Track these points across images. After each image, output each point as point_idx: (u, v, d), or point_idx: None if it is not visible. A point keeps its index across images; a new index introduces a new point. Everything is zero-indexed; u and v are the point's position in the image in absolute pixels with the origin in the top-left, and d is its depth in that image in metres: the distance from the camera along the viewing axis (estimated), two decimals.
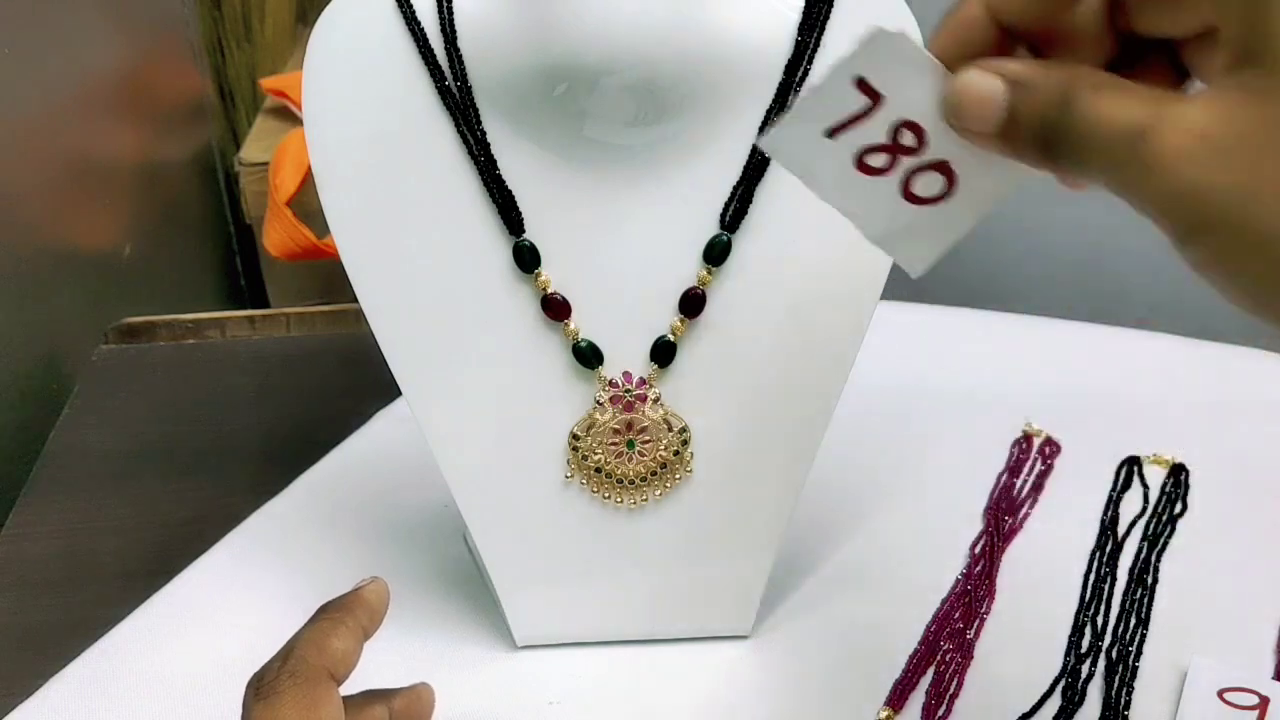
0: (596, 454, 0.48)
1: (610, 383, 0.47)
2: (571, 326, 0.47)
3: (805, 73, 0.44)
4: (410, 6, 0.44)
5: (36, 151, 0.85)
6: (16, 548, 0.61)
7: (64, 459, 0.68)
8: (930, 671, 0.52)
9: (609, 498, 0.49)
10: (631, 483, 0.49)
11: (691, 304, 0.46)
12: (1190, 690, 0.50)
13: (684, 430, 0.48)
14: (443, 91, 0.44)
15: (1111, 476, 0.64)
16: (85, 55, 0.95)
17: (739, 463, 0.49)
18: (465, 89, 0.44)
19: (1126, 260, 0.94)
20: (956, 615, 0.55)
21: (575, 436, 0.48)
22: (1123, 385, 0.72)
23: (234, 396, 0.75)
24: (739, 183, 0.45)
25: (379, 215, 0.46)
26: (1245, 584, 0.57)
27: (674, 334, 0.47)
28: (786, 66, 0.44)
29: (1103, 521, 0.61)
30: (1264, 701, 0.49)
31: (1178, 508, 0.62)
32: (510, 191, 0.45)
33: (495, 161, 0.45)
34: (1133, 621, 0.55)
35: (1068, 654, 0.53)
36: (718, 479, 0.49)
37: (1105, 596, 0.56)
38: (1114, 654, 0.53)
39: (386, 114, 0.45)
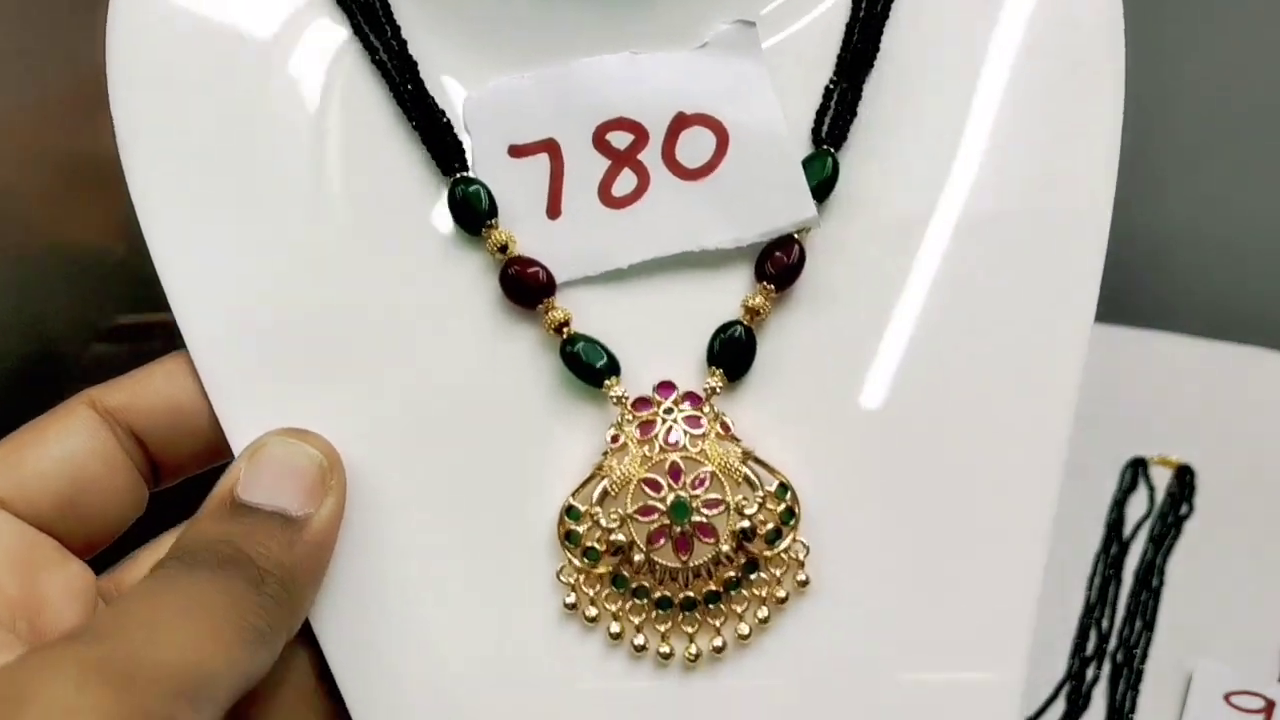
0: (616, 536, 0.27)
1: (636, 403, 0.27)
2: (555, 313, 0.28)
3: None
4: None
5: (29, 148, 0.85)
6: None
7: None
8: None
9: (646, 647, 0.27)
10: (690, 604, 0.27)
11: (783, 265, 0.28)
12: (1196, 694, 0.49)
13: (785, 490, 0.27)
14: None
15: (1117, 478, 0.64)
16: (80, 50, 0.95)
17: (895, 552, 0.28)
18: None
19: (1127, 260, 0.94)
20: None
21: (572, 513, 0.27)
22: (1128, 386, 0.71)
23: None
24: (837, 73, 0.28)
25: (218, 172, 0.31)
26: (1252, 587, 0.56)
27: (750, 315, 0.28)
28: None
29: (1108, 524, 0.60)
30: (1270, 705, 0.49)
31: (1184, 510, 0.61)
32: (438, 105, 0.29)
33: (415, 65, 0.29)
34: (1138, 625, 0.54)
35: (1072, 657, 0.52)
36: (857, 588, 0.27)
37: (1110, 599, 0.56)
38: (1119, 657, 0.52)
39: (233, 16, 0.31)
